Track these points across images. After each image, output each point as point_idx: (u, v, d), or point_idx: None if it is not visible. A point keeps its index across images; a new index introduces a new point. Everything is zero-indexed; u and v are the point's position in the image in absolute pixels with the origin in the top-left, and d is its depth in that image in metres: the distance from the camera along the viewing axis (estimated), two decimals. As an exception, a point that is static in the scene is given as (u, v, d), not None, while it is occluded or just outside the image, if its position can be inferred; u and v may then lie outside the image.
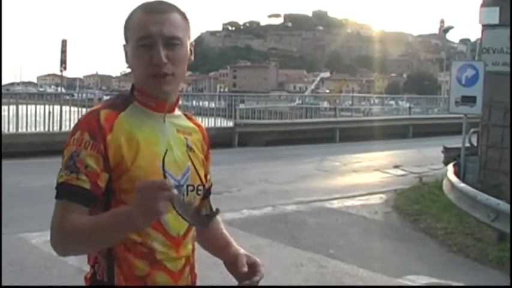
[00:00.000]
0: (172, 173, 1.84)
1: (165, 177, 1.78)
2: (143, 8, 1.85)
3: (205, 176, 2.03)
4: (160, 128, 1.88)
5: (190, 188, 1.90)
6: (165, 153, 1.82)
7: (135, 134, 1.80)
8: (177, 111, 1.98)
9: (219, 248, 2.05)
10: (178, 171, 1.87)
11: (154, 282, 1.79)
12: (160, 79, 1.81)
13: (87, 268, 1.87)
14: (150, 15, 1.81)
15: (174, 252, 1.84)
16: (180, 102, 1.98)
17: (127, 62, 1.88)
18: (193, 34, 1.93)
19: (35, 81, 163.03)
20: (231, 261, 1.95)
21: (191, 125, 2.02)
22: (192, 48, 1.92)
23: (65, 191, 1.74)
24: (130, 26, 1.85)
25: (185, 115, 2.03)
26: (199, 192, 1.94)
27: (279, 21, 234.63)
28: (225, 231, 2.14)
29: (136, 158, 1.78)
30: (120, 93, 1.97)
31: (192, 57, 1.93)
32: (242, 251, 2.01)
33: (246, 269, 1.93)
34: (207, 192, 2.05)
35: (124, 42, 1.90)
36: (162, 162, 1.80)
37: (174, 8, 1.85)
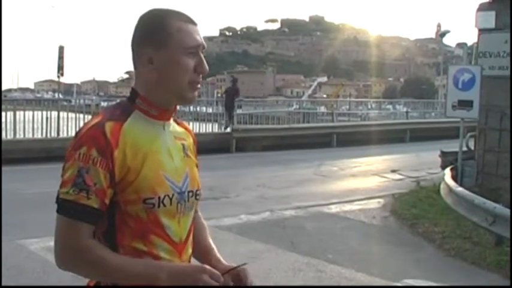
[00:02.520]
0: (174, 181, 1.85)
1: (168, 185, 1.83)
2: (178, 16, 1.85)
3: None
4: (161, 136, 1.89)
5: (190, 193, 1.91)
6: (167, 161, 1.86)
7: (139, 143, 1.81)
8: None
9: (204, 260, 2.01)
10: (179, 178, 1.88)
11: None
12: (195, 86, 1.86)
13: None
14: (191, 25, 1.85)
15: (177, 258, 1.85)
16: (177, 109, 1.99)
17: (150, 66, 1.84)
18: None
19: (33, 87, 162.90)
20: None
21: (183, 129, 2.04)
22: None
23: (73, 210, 1.72)
24: (172, 32, 1.82)
25: (174, 120, 2.02)
26: (197, 197, 1.96)
27: (276, 26, 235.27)
28: (210, 241, 2.11)
29: (143, 168, 1.78)
30: (117, 103, 1.94)
31: None
32: (225, 265, 1.96)
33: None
34: None
35: (151, 47, 1.84)
36: (164, 170, 1.83)
37: None
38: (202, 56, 1.86)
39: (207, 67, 1.86)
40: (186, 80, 1.83)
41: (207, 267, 1.78)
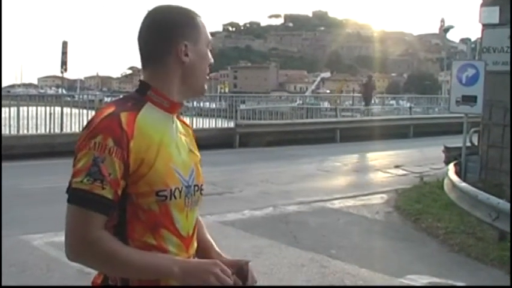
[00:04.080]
0: (182, 174, 1.87)
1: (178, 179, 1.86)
2: (196, 13, 1.95)
3: None
4: (171, 129, 1.90)
5: (196, 188, 1.93)
6: (175, 154, 1.87)
7: (152, 136, 1.81)
8: None
9: (205, 255, 2.02)
10: (186, 171, 1.89)
11: (167, 282, 1.79)
12: (206, 79, 1.98)
13: (89, 269, 1.85)
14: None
15: (184, 252, 1.86)
16: (184, 104, 2.03)
17: (186, 59, 1.89)
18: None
19: (36, 82, 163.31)
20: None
21: (183, 125, 2.05)
22: None
23: (87, 200, 1.70)
24: (198, 28, 1.93)
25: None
26: (202, 192, 1.98)
27: (279, 21, 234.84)
28: (209, 237, 2.12)
29: (156, 160, 1.79)
30: (127, 96, 1.94)
31: None
32: (227, 259, 1.98)
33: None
34: None
35: (184, 40, 1.89)
36: (174, 163, 1.85)
37: None
38: None
39: (211, 60, 1.97)
40: (205, 74, 1.96)
41: (219, 262, 1.80)
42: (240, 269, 1.88)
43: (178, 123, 2.00)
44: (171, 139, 1.87)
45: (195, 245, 1.95)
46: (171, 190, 1.80)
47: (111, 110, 1.79)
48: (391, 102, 36.66)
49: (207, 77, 1.97)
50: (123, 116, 1.77)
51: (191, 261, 1.82)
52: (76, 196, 1.72)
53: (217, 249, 2.06)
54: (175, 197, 1.82)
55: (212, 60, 1.97)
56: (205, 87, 1.98)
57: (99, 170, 1.70)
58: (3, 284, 5.54)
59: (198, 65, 1.91)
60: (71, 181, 1.73)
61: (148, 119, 1.83)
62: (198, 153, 2.03)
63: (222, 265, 1.77)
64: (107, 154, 1.71)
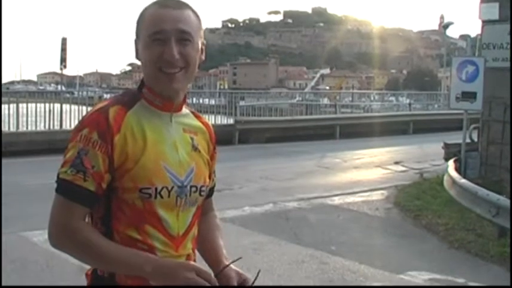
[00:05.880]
0: (175, 174, 1.84)
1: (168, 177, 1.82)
2: (158, 3, 1.84)
3: (209, 176, 2.03)
4: (167, 128, 1.87)
5: (193, 188, 1.89)
6: (170, 153, 1.84)
7: (141, 132, 1.80)
8: (184, 110, 1.96)
9: (210, 260, 1.99)
10: (182, 171, 1.86)
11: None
12: (170, 76, 1.80)
13: (89, 266, 1.87)
14: (165, 10, 1.80)
15: (173, 251, 1.84)
16: (187, 101, 1.97)
17: (137, 57, 1.87)
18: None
19: (35, 79, 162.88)
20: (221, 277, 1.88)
21: (198, 124, 2.01)
22: (204, 48, 1.92)
23: (69, 190, 1.74)
24: (143, 21, 1.83)
25: (193, 113, 2.02)
26: (202, 193, 1.94)
27: (278, 18, 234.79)
28: (219, 242, 2.07)
29: (141, 157, 1.78)
30: (127, 90, 1.96)
31: (203, 57, 1.92)
32: (234, 270, 1.91)
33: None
34: (210, 192, 2.09)
35: (135, 38, 1.88)
36: (166, 162, 1.82)
37: (188, 6, 1.86)
38: (172, 41, 1.79)
39: (171, 53, 1.78)
40: (154, 68, 1.80)
41: (195, 264, 1.77)
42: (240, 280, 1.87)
43: (192, 121, 1.98)
44: (165, 138, 1.85)
45: (189, 245, 1.90)
46: (156, 189, 1.79)
47: (104, 104, 1.82)
48: (391, 98, 36.59)
49: (164, 71, 1.79)
50: (112, 111, 1.78)
51: (166, 261, 1.77)
52: (60, 186, 1.76)
53: (222, 256, 1.98)
54: (161, 196, 1.80)
55: (166, 53, 1.78)
56: (167, 84, 1.81)
57: (81, 162, 1.73)
58: (3, 281, 5.53)
59: (142, 61, 1.84)
60: (59, 170, 1.77)
61: (139, 115, 1.82)
62: (206, 154, 1.99)
63: (198, 268, 1.74)
64: (90, 147, 1.74)
